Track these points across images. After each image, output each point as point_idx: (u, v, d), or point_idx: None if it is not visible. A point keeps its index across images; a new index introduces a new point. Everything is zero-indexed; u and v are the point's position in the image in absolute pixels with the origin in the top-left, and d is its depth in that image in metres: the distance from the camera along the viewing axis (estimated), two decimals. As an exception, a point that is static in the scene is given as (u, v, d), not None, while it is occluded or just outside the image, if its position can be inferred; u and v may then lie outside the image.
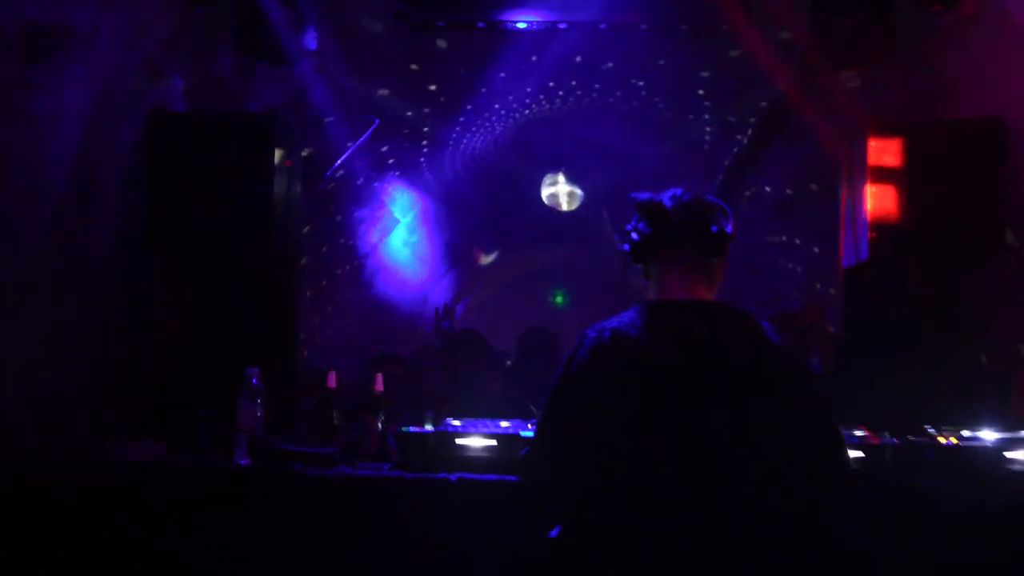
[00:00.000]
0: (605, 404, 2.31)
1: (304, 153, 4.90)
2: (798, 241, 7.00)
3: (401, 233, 6.81)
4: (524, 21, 4.67)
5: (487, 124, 6.79)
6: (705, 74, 6.38)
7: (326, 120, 5.83)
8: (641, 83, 6.56)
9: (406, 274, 7.02)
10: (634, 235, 2.54)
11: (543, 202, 7.63)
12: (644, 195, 2.58)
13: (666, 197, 2.55)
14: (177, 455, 3.59)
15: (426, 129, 6.79)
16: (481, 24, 4.69)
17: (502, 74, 6.31)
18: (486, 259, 8.15)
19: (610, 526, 2.28)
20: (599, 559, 2.28)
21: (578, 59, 6.18)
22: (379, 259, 6.88)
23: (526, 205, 7.58)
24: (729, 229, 2.57)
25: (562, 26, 4.74)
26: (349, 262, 6.60)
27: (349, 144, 6.03)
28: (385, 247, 6.87)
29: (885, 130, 4.45)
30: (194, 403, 3.78)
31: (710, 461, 2.25)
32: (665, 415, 2.27)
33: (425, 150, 6.81)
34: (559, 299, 8.71)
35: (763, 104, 6.41)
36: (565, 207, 7.60)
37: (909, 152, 4.38)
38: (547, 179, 7.53)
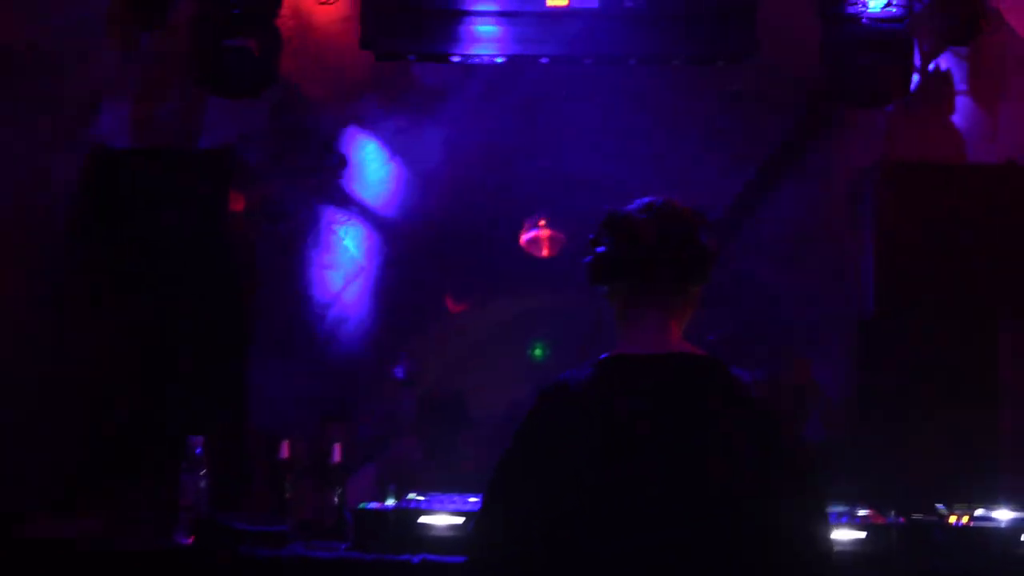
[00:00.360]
0: (550, 474, 2.19)
1: (262, 193, 4.95)
2: (803, 290, 7.06)
3: (361, 277, 6.85)
4: (502, 56, 4.71)
5: (462, 159, 6.85)
6: (703, 109, 6.45)
7: (287, 156, 5.88)
8: (634, 118, 6.62)
9: (370, 323, 7.05)
10: (598, 249, 2.35)
11: (522, 248, 7.68)
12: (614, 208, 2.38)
13: (636, 208, 2.37)
14: (114, 533, 3.59)
15: (392, 164, 6.83)
16: (455, 58, 4.73)
17: (478, 104, 6.37)
18: (460, 307, 8.17)
19: None
20: None
21: (562, 94, 6.24)
22: (342, 307, 6.91)
23: (504, 250, 7.60)
24: (711, 246, 2.37)
25: (543, 60, 4.77)
26: (308, 310, 6.61)
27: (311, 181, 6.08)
28: (348, 293, 6.91)
29: (899, 172, 4.51)
30: (133, 475, 3.80)
31: (668, 541, 2.14)
32: (617, 488, 2.16)
33: (390, 186, 6.86)
34: (538, 352, 8.72)
35: (769, 143, 6.49)
36: (546, 253, 7.65)
37: (925, 197, 4.44)
38: (527, 223, 7.59)
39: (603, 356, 2.32)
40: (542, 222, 7.52)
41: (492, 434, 5.51)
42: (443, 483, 3.72)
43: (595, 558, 2.19)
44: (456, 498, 3.51)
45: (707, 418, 2.21)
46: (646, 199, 2.39)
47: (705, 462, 2.17)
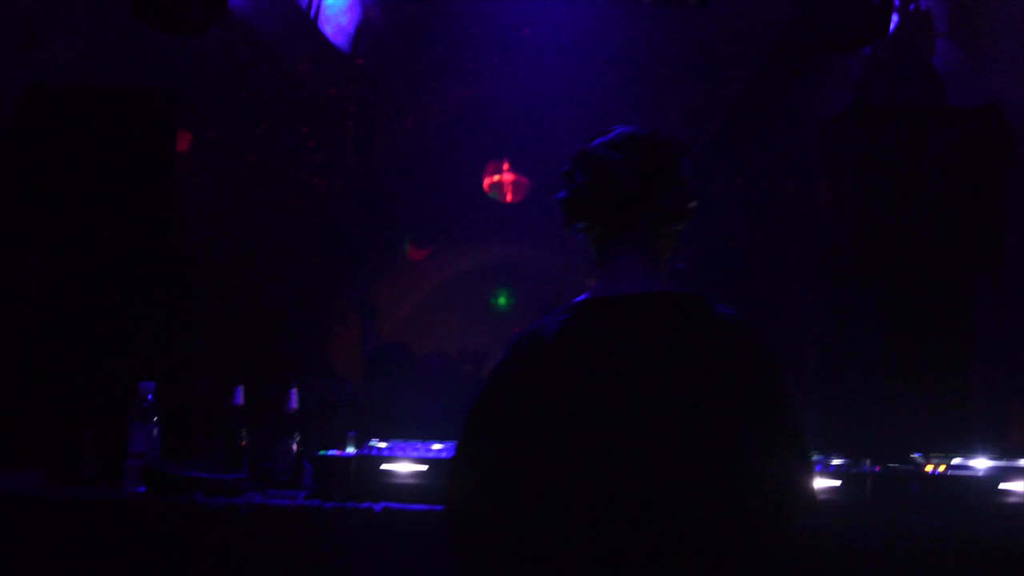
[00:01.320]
0: (526, 419, 2.23)
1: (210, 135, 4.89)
2: (772, 242, 7.10)
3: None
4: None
5: (421, 103, 6.81)
6: (670, 53, 6.45)
7: (236, 98, 5.82)
8: (597, 61, 6.61)
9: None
10: (572, 187, 2.34)
11: (485, 193, 7.67)
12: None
13: (612, 142, 2.34)
14: (58, 484, 3.56)
15: (352, 108, 6.79)
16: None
17: (439, 48, 6.34)
18: (420, 254, 8.16)
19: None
20: None
21: (526, 32, 6.22)
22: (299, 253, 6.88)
23: (466, 195, 7.60)
24: (692, 182, 2.36)
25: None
26: (263, 258, 6.57)
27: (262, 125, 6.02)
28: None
29: (872, 118, 4.51)
30: (76, 424, 3.77)
31: (649, 477, 2.16)
32: (596, 430, 2.18)
33: (350, 131, 6.81)
34: (502, 301, 8.73)
35: (736, 87, 6.50)
36: (510, 198, 7.64)
37: (900, 144, 4.45)
38: (490, 167, 7.57)
39: (577, 299, 2.32)
40: (506, 165, 7.53)
41: (441, 385, 5.52)
42: (401, 430, 3.71)
43: (574, 501, 2.20)
44: (419, 445, 3.51)
45: (690, 354, 2.20)
46: (625, 129, 2.37)
47: (689, 398, 2.17)
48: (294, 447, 3.62)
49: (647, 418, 2.16)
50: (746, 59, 6.28)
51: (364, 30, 6.28)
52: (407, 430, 3.76)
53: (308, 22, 6.09)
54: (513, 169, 7.56)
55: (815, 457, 3.49)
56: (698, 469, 2.16)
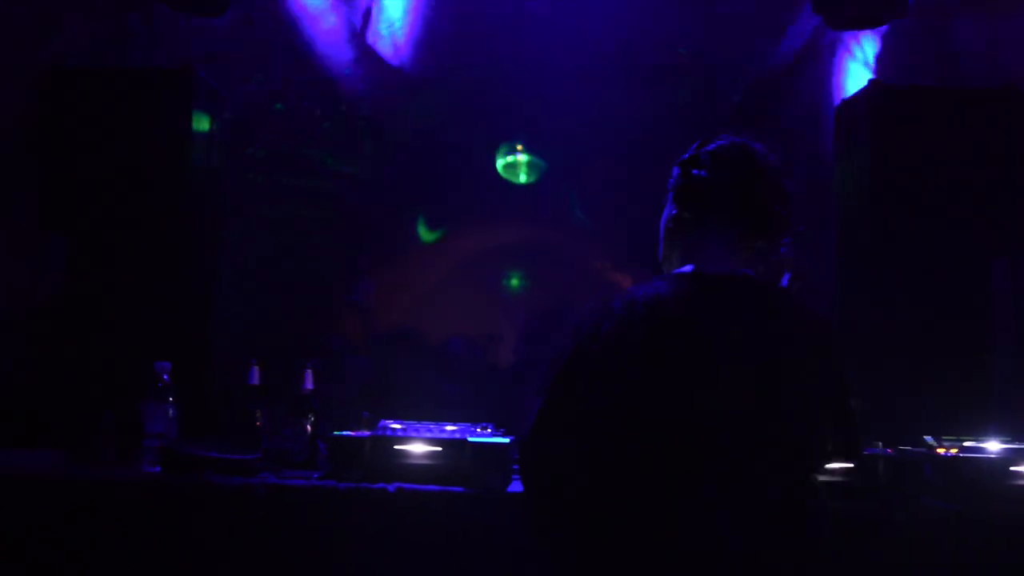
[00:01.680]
0: (619, 375, 2.31)
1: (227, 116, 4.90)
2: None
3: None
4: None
5: (434, 82, 6.81)
6: (684, 32, 6.44)
7: (253, 79, 5.83)
8: (614, 39, 6.59)
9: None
10: (697, 173, 2.51)
11: (498, 173, 7.66)
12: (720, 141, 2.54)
13: (737, 144, 2.53)
14: (76, 464, 3.60)
15: (363, 87, 6.79)
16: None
17: (453, 25, 6.34)
18: (430, 236, 8.16)
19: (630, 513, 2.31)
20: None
21: (539, 9, 6.21)
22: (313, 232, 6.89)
23: (480, 176, 7.59)
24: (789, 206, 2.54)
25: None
26: (278, 240, 6.59)
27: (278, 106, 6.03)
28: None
29: (888, 99, 4.50)
30: (95, 404, 3.80)
31: (743, 444, 2.30)
32: (702, 392, 2.31)
33: (367, 114, 6.82)
34: (515, 283, 8.73)
35: (752, 68, 6.49)
36: (524, 179, 7.63)
37: (917, 125, 4.43)
38: (503, 148, 7.56)
39: (678, 271, 2.48)
40: (520, 147, 7.52)
41: (455, 367, 5.54)
42: (416, 411, 3.73)
43: (660, 464, 2.29)
44: (432, 426, 3.53)
45: (778, 337, 2.38)
46: (737, 139, 2.53)
47: (777, 376, 2.33)
48: (308, 428, 3.65)
49: (742, 396, 2.30)
50: (764, 38, 6.26)
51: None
52: (422, 411, 3.78)
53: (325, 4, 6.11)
54: (527, 150, 7.56)
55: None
56: (774, 447, 2.31)
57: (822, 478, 2.45)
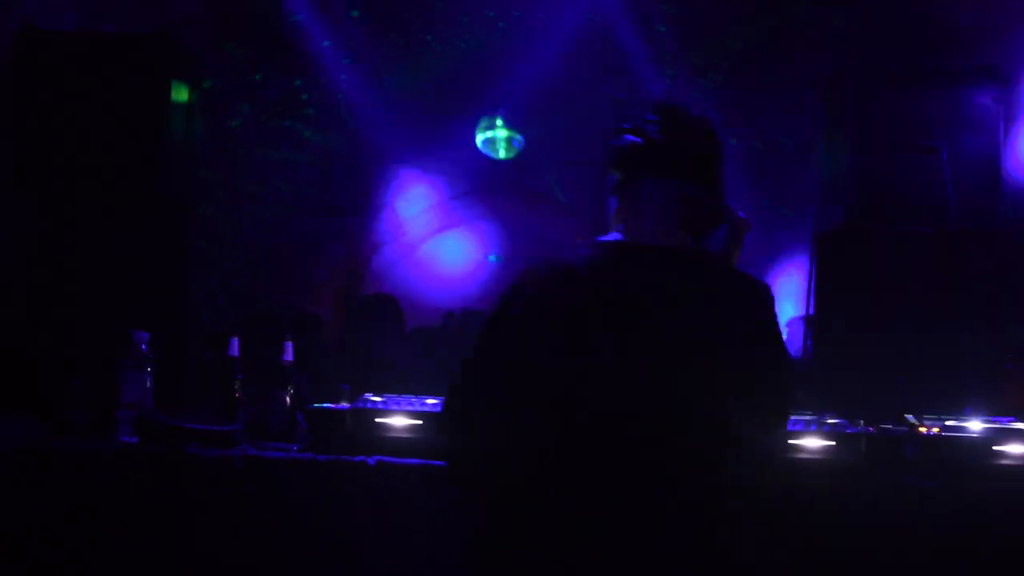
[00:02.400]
0: (537, 343, 2.33)
1: (205, 84, 4.84)
2: (765, 202, 7.09)
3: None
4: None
5: (416, 53, 6.77)
6: (668, 8, 6.41)
7: (229, 46, 5.75)
8: (595, 18, 6.57)
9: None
10: (628, 138, 2.48)
11: (477, 148, 7.63)
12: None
13: (677, 107, 2.51)
14: (47, 432, 3.54)
15: (346, 61, 6.73)
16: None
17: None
18: (410, 208, 8.12)
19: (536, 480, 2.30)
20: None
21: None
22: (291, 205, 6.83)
23: (458, 150, 7.56)
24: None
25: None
26: (255, 210, 6.53)
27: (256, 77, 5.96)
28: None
29: (870, 79, 4.49)
30: (66, 372, 3.74)
31: (646, 408, 2.26)
32: (602, 354, 2.28)
33: (344, 83, 6.76)
34: (492, 258, 8.72)
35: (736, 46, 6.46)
36: (503, 154, 7.61)
37: (899, 105, 4.43)
38: (483, 122, 7.53)
39: (601, 239, 2.44)
40: (498, 121, 7.49)
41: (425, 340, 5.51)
42: (390, 386, 3.70)
43: (577, 422, 2.27)
44: (413, 399, 3.49)
45: (704, 304, 2.32)
46: (670, 103, 2.51)
47: (698, 344, 2.28)
48: (288, 399, 3.60)
49: (657, 357, 2.27)
50: (745, 16, 6.23)
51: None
52: (403, 384, 3.75)
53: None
54: (507, 125, 7.54)
55: (809, 417, 3.50)
56: (694, 412, 2.27)
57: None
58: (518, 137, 7.41)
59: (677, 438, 2.26)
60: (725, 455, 2.31)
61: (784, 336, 2.43)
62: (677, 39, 6.59)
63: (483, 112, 7.39)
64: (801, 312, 5.22)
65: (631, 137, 2.47)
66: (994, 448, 3.32)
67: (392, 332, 5.10)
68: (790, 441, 3.32)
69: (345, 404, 3.45)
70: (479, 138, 7.48)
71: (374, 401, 3.43)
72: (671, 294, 2.32)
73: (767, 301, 2.38)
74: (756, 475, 2.36)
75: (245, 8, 5.79)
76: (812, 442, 3.35)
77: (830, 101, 4.71)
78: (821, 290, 4.71)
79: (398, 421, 3.33)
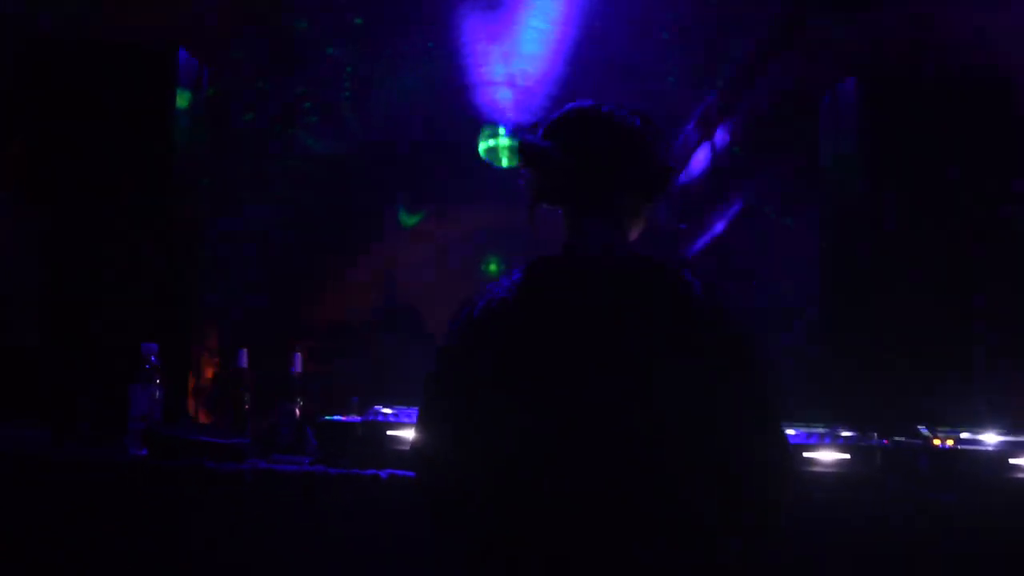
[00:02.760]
0: (477, 383, 2.24)
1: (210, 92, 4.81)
2: (768, 211, 7.06)
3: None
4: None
5: (420, 63, 6.74)
6: (669, 15, 6.39)
7: (234, 53, 5.73)
8: (596, 24, 6.54)
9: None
10: (519, 181, 2.36)
11: (480, 156, 7.61)
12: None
13: (550, 126, 2.35)
14: (58, 443, 3.51)
15: (349, 69, 6.71)
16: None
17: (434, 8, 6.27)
18: (411, 219, 8.10)
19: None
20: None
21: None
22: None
23: (459, 158, 7.53)
24: (649, 157, 2.35)
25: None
26: (259, 222, 6.50)
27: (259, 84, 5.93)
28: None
29: (877, 89, 4.47)
30: (76, 383, 3.72)
31: (597, 452, 2.14)
32: (542, 392, 2.17)
33: (347, 92, 6.74)
34: (492, 267, 8.68)
35: (736, 54, 6.44)
36: (505, 164, 7.59)
37: (906, 115, 4.40)
38: (486, 131, 7.50)
39: (539, 257, 2.31)
40: (501, 130, 7.46)
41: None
42: (404, 396, 3.67)
43: (531, 455, 2.17)
44: (425, 412, 3.45)
45: (647, 317, 2.17)
46: (573, 105, 2.37)
47: (641, 358, 2.14)
48: (297, 411, 3.57)
49: (598, 373, 2.14)
50: (747, 24, 6.21)
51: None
52: (413, 396, 3.71)
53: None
54: (509, 134, 7.52)
55: (823, 430, 3.48)
56: (648, 430, 2.13)
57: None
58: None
59: (653, 458, 2.13)
60: (712, 464, 2.15)
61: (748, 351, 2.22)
62: (678, 46, 6.56)
63: (486, 120, 7.38)
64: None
65: (523, 181, 2.36)
66: (1010, 461, 3.30)
67: (414, 342, 5.07)
68: (804, 455, 3.31)
69: (355, 416, 3.43)
70: (481, 147, 7.46)
71: (385, 413, 3.41)
72: (613, 306, 2.19)
73: (723, 314, 2.21)
74: (759, 484, 2.19)
75: (250, 15, 5.77)
76: (829, 455, 3.33)
77: (835, 110, 4.68)
78: (826, 295, 4.69)
79: (410, 434, 3.29)
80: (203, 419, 4.12)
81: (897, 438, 3.51)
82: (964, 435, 3.48)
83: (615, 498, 2.13)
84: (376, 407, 3.47)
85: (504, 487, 2.20)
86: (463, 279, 7.32)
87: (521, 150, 2.35)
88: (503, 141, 7.49)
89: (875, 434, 3.53)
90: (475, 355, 2.25)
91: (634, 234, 2.38)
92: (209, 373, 4.29)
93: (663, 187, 2.38)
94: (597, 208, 2.32)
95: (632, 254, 2.30)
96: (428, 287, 7.06)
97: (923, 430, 3.55)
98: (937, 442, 3.44)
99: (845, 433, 3.45)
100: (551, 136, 2.34)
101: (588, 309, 2.19)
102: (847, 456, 3.35)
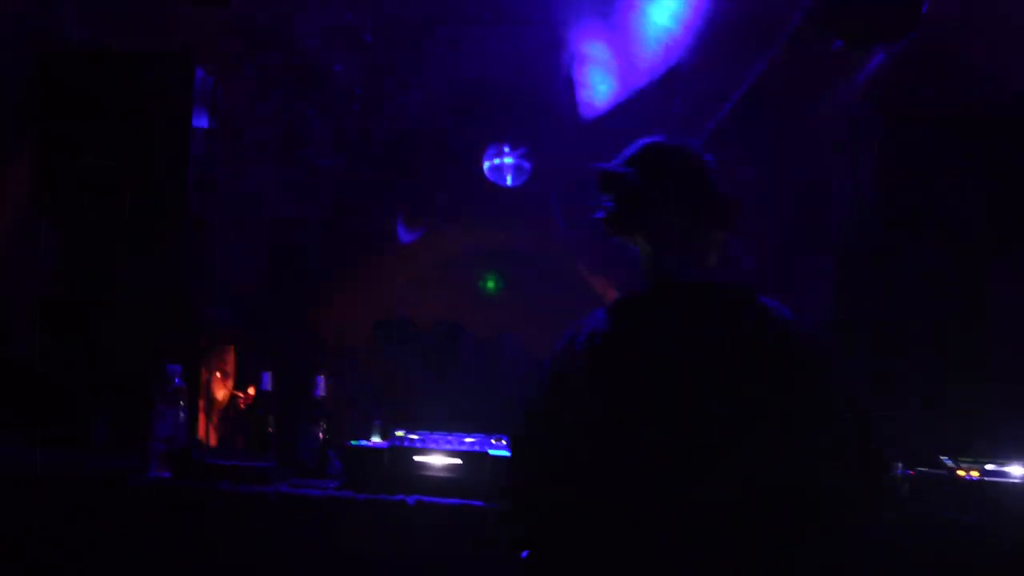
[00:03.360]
0: (585, 418, 2.25)
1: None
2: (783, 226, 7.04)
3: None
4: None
5: (426, 82, 6.75)
6: (679, 36, 6.39)
7: (244, 69, 5.72)
8: (602, 45, 6.55)
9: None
10: (598, 214, 2.42)
11: (484, 175, 7.61)
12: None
13: (632, 155, 2.43)
14: (84, 465, 3.48)
15: (358, 91, 6.71)
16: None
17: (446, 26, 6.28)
18: (411, 235, 8.09)
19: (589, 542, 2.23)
20: None
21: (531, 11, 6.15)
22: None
23: (463, 176, 7.53)
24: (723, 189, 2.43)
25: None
26: (272, 232, 6.50)
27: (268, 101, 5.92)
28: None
29: (892, 113, 4.48)
30: (90, 398, 3.69)
31: (706, 478, 2.17)
32: (650, 426, 2.20)
33: (356, 108, 6.74)
34: (491, 284, 8.65)
35: (748, 77, 6.45)
36: (510, 182, 7.59)
37: (923, 139, 4.42)
38: (491, 151, 7.51)
39: (619, 297, 2.38)
40: (506, 149, 7.47)
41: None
42: (431, 421, 3.65)
43: (628, 486, 2.20)
44: (451, 437, 3.44)
45: (747, 347, 2.22)
46: (646, 140, 2.44)
47: (742, 389, 2.18)
48: (320, 435, 3.55)
49: (701, 406, 2.18)
50: (761, 45, 6.21)
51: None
52: (433, 420, 3.70)
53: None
54: (513, 153, 7.52)
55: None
56: (749, 464, 2.16)
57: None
58: (525, 165, 7.40)
59: (765, 495, 2.16)
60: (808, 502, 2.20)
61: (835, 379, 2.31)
62: (688, 66, 6.57)
63: (491, 139, 7.38)
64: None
65: (602, 213, 2.41)
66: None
67: (413, 356, 5.05)
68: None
69: (382, 441, 3.40)
70: (486, 165, 7.46)
71: (411, 439, 3.38)
72: (714, 337, 2.23)
73: (815, 341, 2.30)
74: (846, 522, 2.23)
75: (260, 29, 5.76)
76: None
77: (852, 134, 4.70)
78: (841, 322, 4.69)
79: (437, 460, 3.28)
80: (212, 442, 4.08)
81: (920, 468, 3.51)
82: (989, 467, 3.47)
83: (731, 533, 2.15)
84: (401, 432, 3.44)
85: (617, 520, 2.20)
86: (463, 296, 7.34)
87: (601, 178, 2.39)
88: (508, 159, 7.51)
89: (900, 464, 3.53)
90: (585, 392, 2.25)
91: (712, 263, 2.41)
92: (219, 394, 4.24)
93: (735, 217, 2.40)
94: (677, 238, 2.36)
95: (721, 283, 2.34)
96: (427, 303, 7.06)
97: (947, 460, 3.55)
98: (961, 473, 3.44)
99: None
100: (629, 166, 2.37)
101: (696, 342, 2.22)
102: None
